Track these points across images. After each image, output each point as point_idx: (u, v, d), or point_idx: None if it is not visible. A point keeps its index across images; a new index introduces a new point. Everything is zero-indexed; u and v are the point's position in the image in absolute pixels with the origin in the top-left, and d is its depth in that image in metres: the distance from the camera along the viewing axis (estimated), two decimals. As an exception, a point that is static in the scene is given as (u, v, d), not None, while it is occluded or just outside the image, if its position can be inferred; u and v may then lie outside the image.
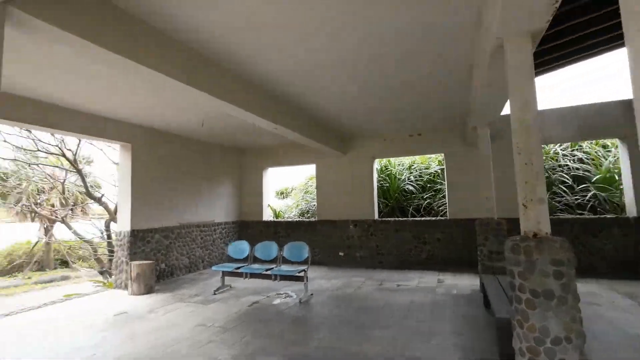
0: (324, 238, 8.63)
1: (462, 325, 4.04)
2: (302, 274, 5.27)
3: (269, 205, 10.16)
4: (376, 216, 8.39)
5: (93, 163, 11.74)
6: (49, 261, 12.85)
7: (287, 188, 15.42)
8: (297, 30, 3.30)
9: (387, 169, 9.83)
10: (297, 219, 9.99)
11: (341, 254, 8.47)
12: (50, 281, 11.43)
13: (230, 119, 6.41)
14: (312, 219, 9.45)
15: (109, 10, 2.76)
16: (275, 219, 10.20)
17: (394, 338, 3.71)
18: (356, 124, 7.21)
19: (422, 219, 8.06)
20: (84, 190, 8.91)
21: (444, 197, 8.85)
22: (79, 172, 8.57)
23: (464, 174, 7.63)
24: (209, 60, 3.88)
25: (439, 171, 9.57)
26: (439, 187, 9.24)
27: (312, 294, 5.61)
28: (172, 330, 4.14)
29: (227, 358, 3.30)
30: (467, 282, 6.15)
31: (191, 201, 7.88)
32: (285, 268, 5.65)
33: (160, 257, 6.87)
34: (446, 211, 8.17)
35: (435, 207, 9.01)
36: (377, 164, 8.92)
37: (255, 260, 6.29)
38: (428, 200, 9.17)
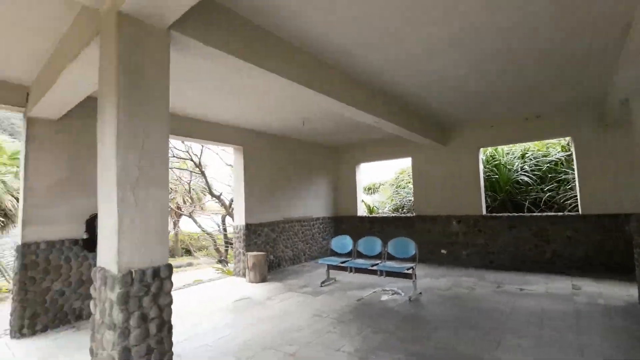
0: (422, 234, 8.19)
1: (625, 343, 3.30)
2: (410, 271, 5.07)
3: (362, 200, 10.15)
4: (484, 211, 7.58)
5: (209, 167, 13.52)
6: (177, 249, 15.33)
7: (375, 184, 15.25)
8: (408, 13, 3.11)
9: (493, 158, 8.79)
10: (393, 215, 9.73)
11: (443, 251, 7.93)
12: (179, 267, 13.62)
13: (327, 118, 6.56)
14: (409, 215, 9.07)
15: (240, 24, 3.01)
16: (369, 215, 10.13)
17: (537, 348, 3.25)
18: (459, 111, 6.59)
19: (544, 214, 6.95)
20: (207, 189, 10.29)
21: (571, 188, 7.50)
22: (202, 173, 9.96)
23: (601, 160, 6.31)
24: (311, 54, 3.86)
25: (563, 158, 8.13)
26: (564, 177, 7.85)
27: (420, 292, 5.35)
28: (289, 317, 4.41)
29: (350, 350, 3.35)
30: (617, 291, 5.05)
31: (292, 197, 8.37)
32: (389, 264, 5.52)
33: (269, 249, 7.48)
34: (576, 205, 6.89)
35: (559, 201, 7.69)
36: (482, 154, 8.05)
37: (359, 255, 6.31)
38: (550, 193, 7.87)
